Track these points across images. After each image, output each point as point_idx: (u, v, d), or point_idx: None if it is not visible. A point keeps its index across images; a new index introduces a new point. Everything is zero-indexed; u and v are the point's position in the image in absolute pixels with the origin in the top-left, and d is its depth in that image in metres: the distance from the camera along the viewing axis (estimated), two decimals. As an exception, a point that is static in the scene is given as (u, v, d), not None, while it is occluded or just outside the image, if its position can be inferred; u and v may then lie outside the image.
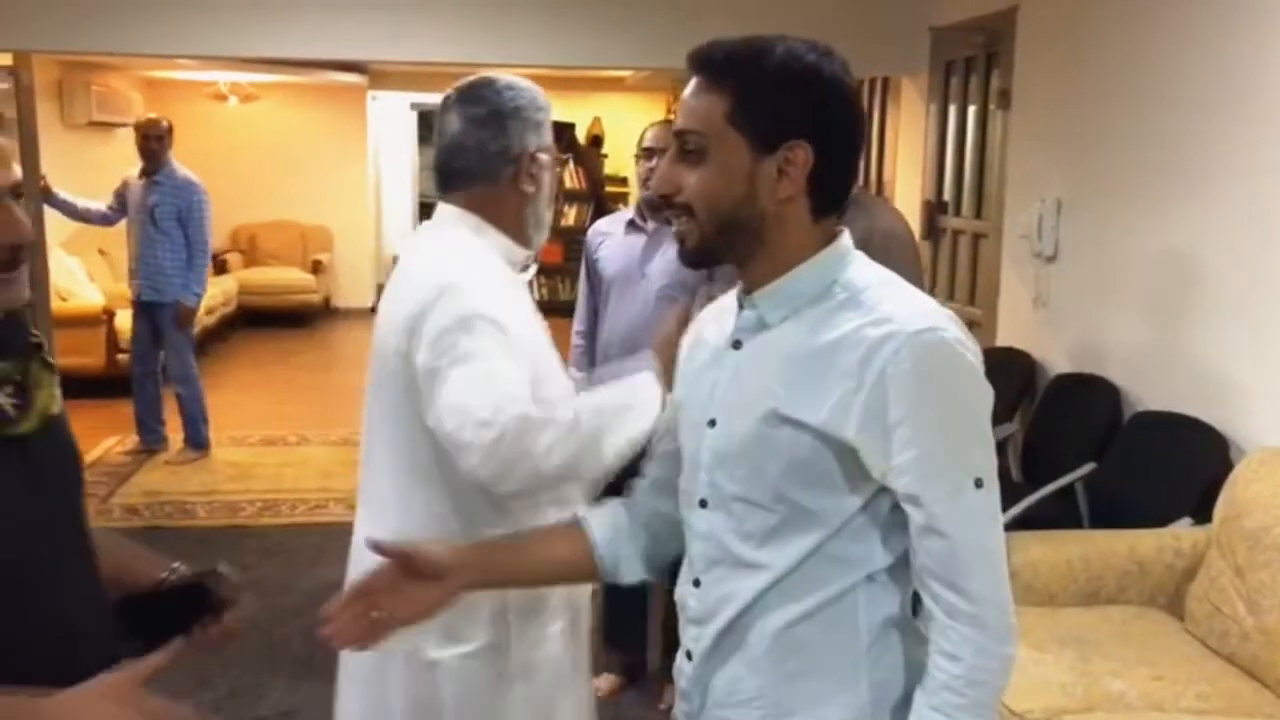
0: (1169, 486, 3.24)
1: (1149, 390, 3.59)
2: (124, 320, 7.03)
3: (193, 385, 5.78)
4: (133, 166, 5.83)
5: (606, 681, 3.31)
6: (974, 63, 5.05)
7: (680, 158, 1.24)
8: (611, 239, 3.27)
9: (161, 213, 5.57)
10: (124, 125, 9.26)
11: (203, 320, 8.41)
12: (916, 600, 1.25)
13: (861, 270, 1.26)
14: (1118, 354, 3.79)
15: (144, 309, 5.71)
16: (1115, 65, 3.83)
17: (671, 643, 1.43)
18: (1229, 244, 3.24)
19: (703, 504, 1.30)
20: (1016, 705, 2.38)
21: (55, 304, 6.41)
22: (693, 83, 1.23)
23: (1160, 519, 3.10)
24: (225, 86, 10.01)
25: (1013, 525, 3.41)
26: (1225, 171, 3.26)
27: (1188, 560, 2.88)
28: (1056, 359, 4.19)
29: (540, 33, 5.41)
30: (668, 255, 3.04)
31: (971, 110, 5.16)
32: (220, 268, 9.91)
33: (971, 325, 4.99)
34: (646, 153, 3.16)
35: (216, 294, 8.91)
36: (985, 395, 1.23)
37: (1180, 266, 3.46)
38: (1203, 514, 2.99)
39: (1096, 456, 3.61)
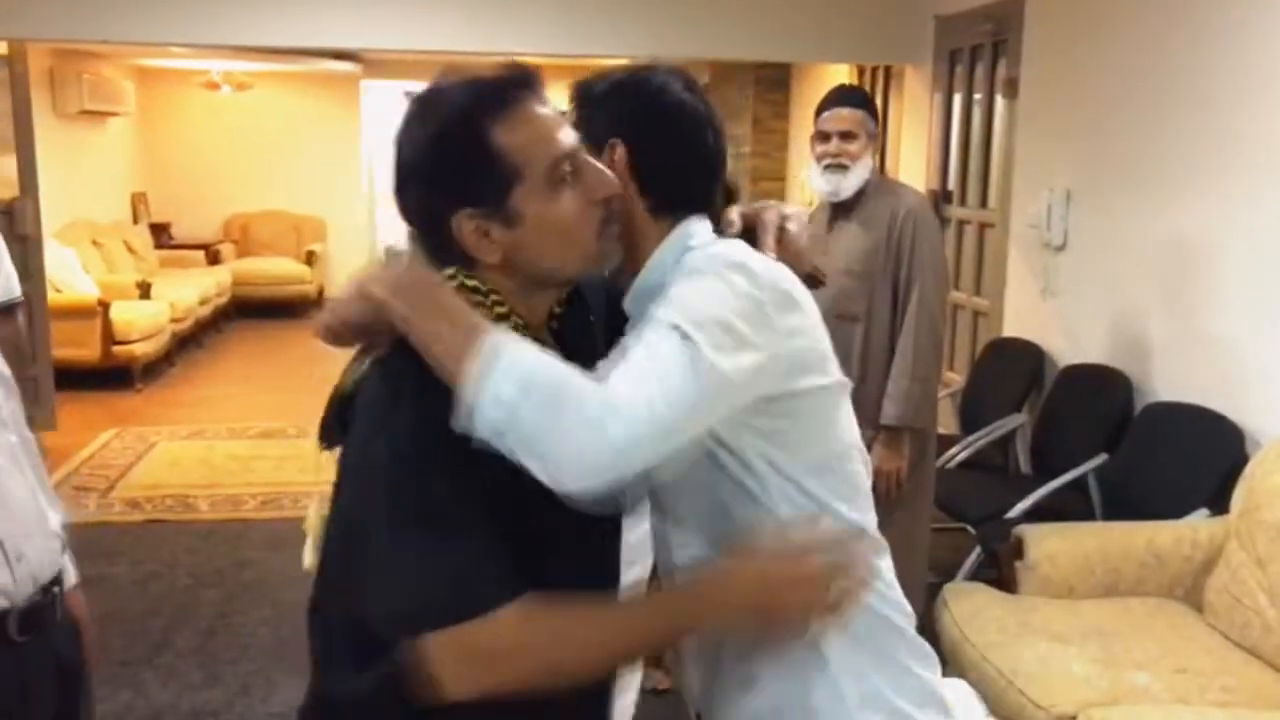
0: (1183, 478, 3.24)
1: (1161, 381, 3.59)
2: (119, 311, 6.99)
3: None
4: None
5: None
6: (979, 51, 5.03)
7: None
8: None
9: None
10: (116, 114, 9.19)
11: (196, 311, 8.38)
12: None
13: (703, 243, 1.29)
14: (1129, 344, 3.78)
15: None
16: (1125, 53, 3.81)
17: None
18: (1241, 232, 3.23)
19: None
20: (1043, 699, 2.37)
21: (50, 295, 6.33)
22: None
23: (1174, 510, 3.09)
24: (218, 75, 9.92)
25: (1025, 517, 3.41)
26: (1237, 159, 3.24)
27: (1205, 552, 2.88)
28: (1065, 349, 4.18)
29: (539, 21, 5.37)
30: None
31: (976, 99, 5.13)
32: (213, 258, 9.85)
33: (978, 315, 4.98)
34: None
35: (210, 285, 8.86)
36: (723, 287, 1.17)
37: (1192, 255, 3.46)
38: (1219, 505, 2.99)
39: (1108, 448, 3.61)
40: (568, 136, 1.19)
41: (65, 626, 1.72)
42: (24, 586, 1.58)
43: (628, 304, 1.30)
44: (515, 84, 1.17)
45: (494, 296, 1.18)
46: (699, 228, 1.30)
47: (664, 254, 1.28)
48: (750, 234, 1.38)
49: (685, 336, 1.10)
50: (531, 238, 1.16)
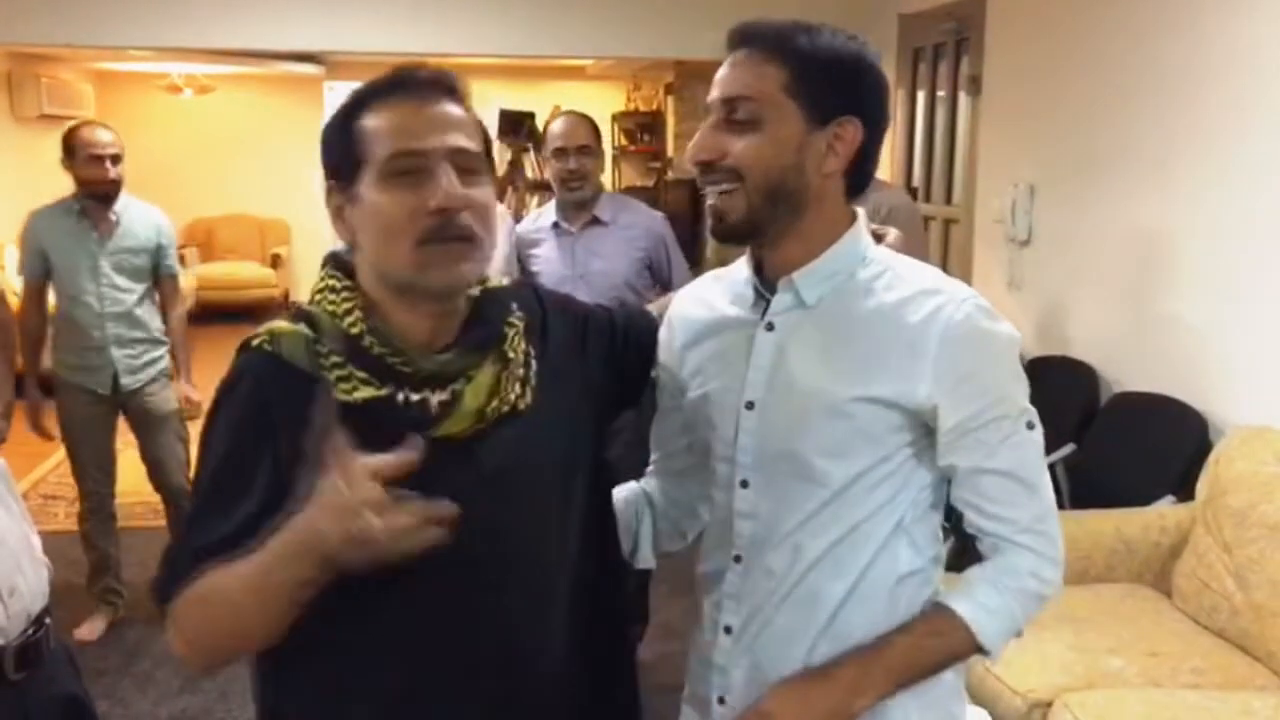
0: (1149, 466, 3.29)
1: (1126, 371, 3.65)
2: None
3: None
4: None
5: None
6: (942, 49, 5.08)
7: (725, 125, 1.24)
8: (545, 243, 3.22)
9: None
10: (76, 118, 9.07)
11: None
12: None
13: (876, 246, 1.32)
14: (1094, 336, 3.84)
15: None
16: (1086, 49, 3.87)
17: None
18: (1203, 224, 3.29)
19: (744, 484, 1.30)
20: (1020, 685, 2.41)
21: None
22: (739, 55, 1.25)
23: (1141, 498, 3.15)
24: (179, 78, 9.82)
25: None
26: (1197, 153, 3.31)
27: (1173, 538, 2.94)
28: (1031, 342, 4.24)
29: (501, 21, 5.38)
30: (608, 257, 3.07)
31: (940, 96, 5.19)
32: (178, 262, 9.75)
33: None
34: (559, 153, 3.12)
35: (174, 289, 8.78)
36: (1017, 347, 1.34)
37: (1155, 247, 3.52)
38: (1184, 492, 3.05)
39: (1075, 438, 3.66)
40: (440, 140, 1.16)
41: (56, 653, 1.64)
42: (17, 622, 1.52)
43: (799, 282, 1.26)
44: (403, 80, 1.20)
45: (345, 293, 1.20)
46: (864, 227, 1.31)
47: (849, 242, 1.27)
48: None
49: (1031, 425, 1.27)
50: (361, 226, 1.19)
